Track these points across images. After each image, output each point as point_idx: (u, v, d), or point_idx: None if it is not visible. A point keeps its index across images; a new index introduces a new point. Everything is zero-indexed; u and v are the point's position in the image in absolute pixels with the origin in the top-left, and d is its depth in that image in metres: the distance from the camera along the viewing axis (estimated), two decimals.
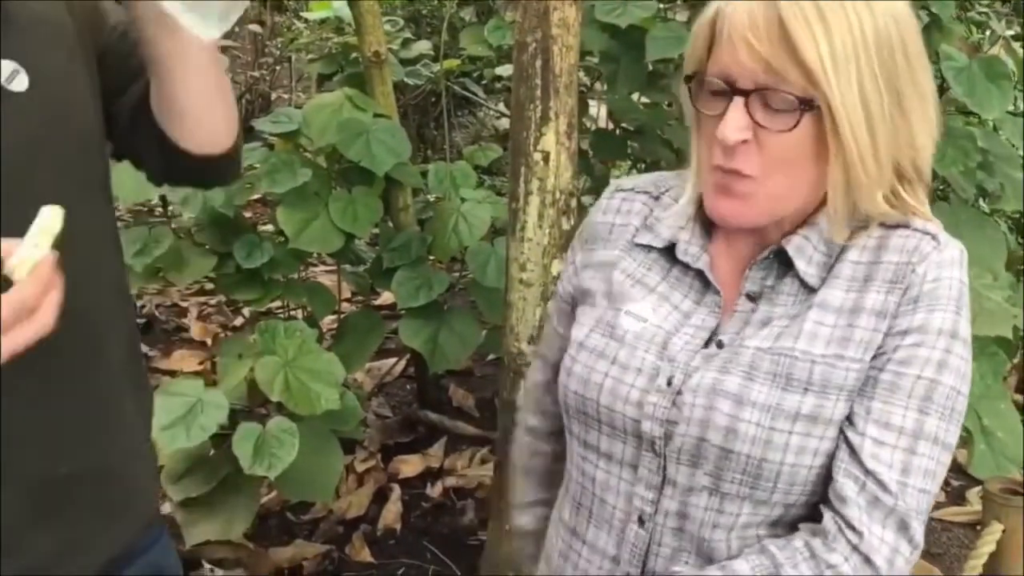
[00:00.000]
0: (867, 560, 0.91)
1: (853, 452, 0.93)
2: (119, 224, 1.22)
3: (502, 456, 2.52)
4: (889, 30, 0.91)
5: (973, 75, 2.11)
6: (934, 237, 0.96)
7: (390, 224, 2.89)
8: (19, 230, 0.84)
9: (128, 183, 1.74)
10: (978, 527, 2.28)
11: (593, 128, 3.26)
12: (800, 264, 0.97)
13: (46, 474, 1.03)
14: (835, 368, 0.93)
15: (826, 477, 0.94)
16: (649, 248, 1.06)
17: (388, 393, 3.58)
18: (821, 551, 0.92)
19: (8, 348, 0.81)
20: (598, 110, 3.54)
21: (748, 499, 0.95)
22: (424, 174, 2.79)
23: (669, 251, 1.04)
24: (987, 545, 2.15)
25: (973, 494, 2.95)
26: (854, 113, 0.90)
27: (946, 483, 3.02)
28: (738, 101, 0.91)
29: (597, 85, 3.35)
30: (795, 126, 0.90)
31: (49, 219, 0.84)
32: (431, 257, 2.76)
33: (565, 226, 2.03)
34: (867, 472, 0.92)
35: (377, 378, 3.57)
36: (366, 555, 2.65)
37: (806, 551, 0.93)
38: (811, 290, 0.97)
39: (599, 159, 3.01)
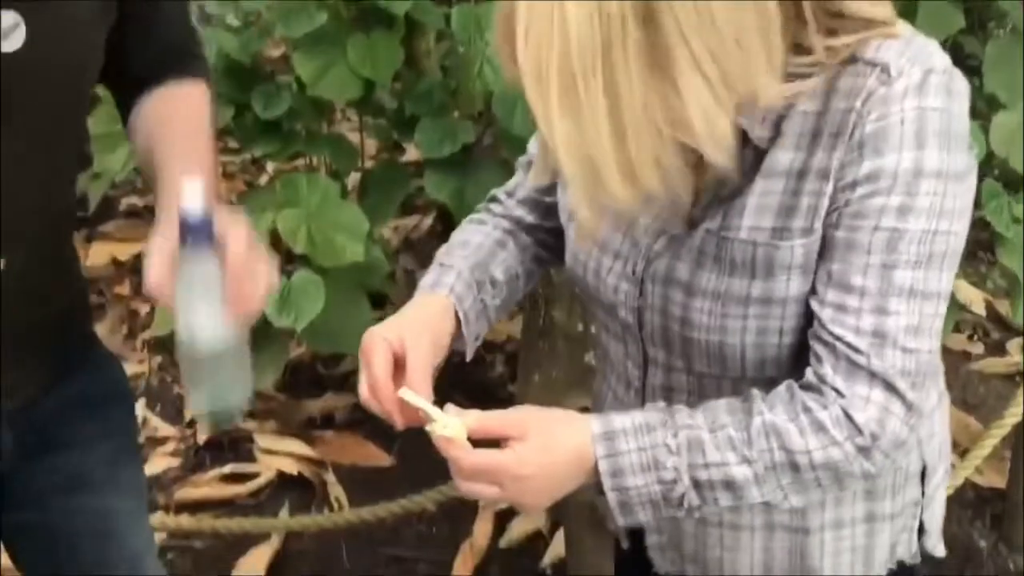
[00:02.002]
0: (849, 418, 0.84)
1: (819, 322, 0.86)
2: None
3: (531, 313, 2.50)
4: None
5: None
6: (884, 69, 0.83)
7: (412, 71, 2.78)
8: None
9: None
10: (1017, 378, 2.23)
11: None
12: (746, 123, 0.85)
13: None
14: (778, 249, 0.86)
15: (807, 347, 0.89)
16: None
17: (415, 250, 3.55)
18: (800, 394, 0.87)
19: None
20: None
21: (723, 377, 0.93)
22: (447, 17, 2.66)
23: None
24: None
25: (1014, 345, 2.89)
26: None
27: (985, 334, 2.96)
28: None
29: None
30: None
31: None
32: (456, 109, 2.66)
33: None
34: (836, 338, 0.85)
35: (404, 235, 3.53)
36: None
37: (786, 394, 0.88)
38: (763, 153, 0.87)
39: None
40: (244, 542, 2.19)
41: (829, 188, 0.84)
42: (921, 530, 1.06)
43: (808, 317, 0.88)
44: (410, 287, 3.67)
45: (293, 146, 2.59)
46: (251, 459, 2.45)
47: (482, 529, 2.22)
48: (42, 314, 1.12)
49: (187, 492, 2.35)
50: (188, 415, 2.61)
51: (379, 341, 0.94)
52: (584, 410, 1.14)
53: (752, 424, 0.86)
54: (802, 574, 1.02)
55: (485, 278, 1.04)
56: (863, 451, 0.85)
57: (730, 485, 0.86)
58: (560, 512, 2.00)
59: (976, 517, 2.39)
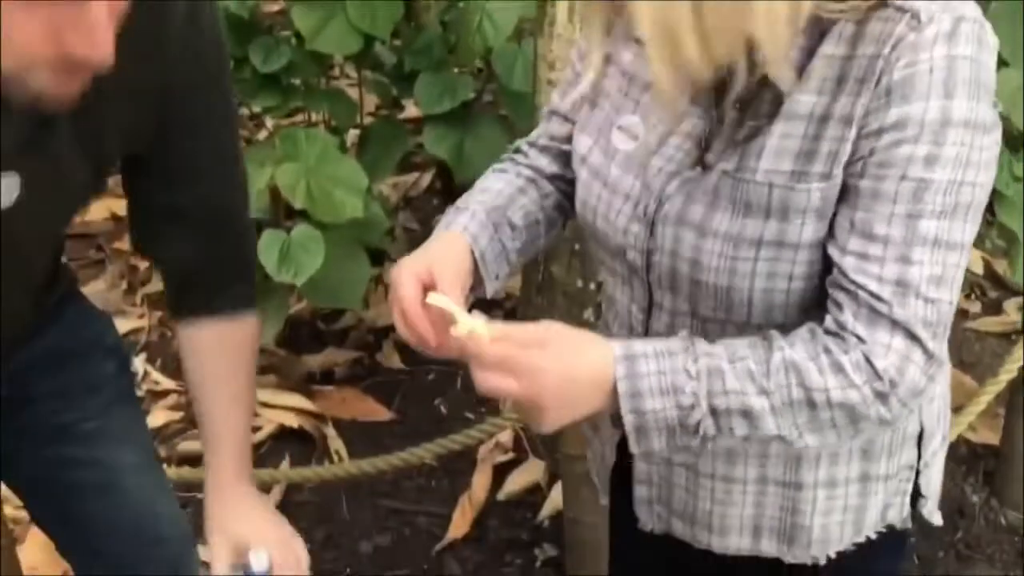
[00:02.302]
0: (869, 363, 0.84)
1: (840, 270, 0.86)
2: None
3: (529, 270, 2.50)
4: None
5: None
6: (914, 15, 0.82)
7: (412, 26, 2.76)
8: None
9: None
10: (1013, 336, 2.24)
11: None
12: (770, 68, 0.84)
13: None
14: (794, 191, 0.86)
15: (814, 295, 0.89)
16: None
17: (415, 208, 3.55)
18: (822, 336, 0.87)
19: None
20: None
21: (728, 323, 0.93)
22: None
23: None
24: (1021, 349, 2.13)
25: (1011, 304, 2.90)
26: None
27: (982, 292, 2.98)
28: None
29: None
30: None
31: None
32: (455, 65, 2.64)
33: None
34: (858, 286, 0.85)
35: (403, 191, 3.52)
36: (397, 361, 2.69)
37: (807, 334, 0.87)
38: (782, 96, 0.87)
39: None
40: None
41: (852, 134, 0.84)
42: (916, 496, 1.05)
43: (817, 265, 0.88)
44: (410, 244, 3.69)
45: (292, 101, 2.57)
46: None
47: (481, 482, 2.25)
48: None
49: (189, 445, 2.37)
50: None
51: (407, 271, 0.95)
52: None
53: (772, 359, 0.85)
54: (791, 533, 1.02)
55: (503, 221, 1.04)
56: (881, 396, 0.84)
57: (747, 414, 0.85)
58: (558, 465, 2.03)
59: (969, 473, 2.42)
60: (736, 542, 1.04)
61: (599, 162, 0.99)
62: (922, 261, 0.84)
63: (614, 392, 0.86)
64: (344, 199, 2.20)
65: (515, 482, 2.27)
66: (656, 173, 0.94)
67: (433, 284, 0.94)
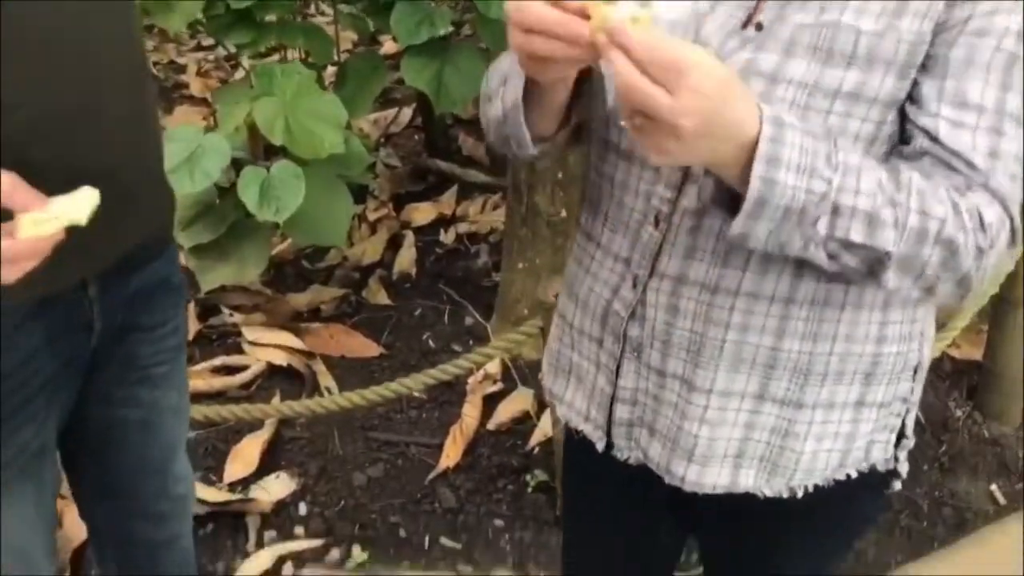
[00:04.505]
0: (980, 214, 0.82)
1: (929, 136, 0.85)
2: None
3: (514, 201, 2.49)
4: None
5: None
6: None
7: None
8: None
9: None
10: None
11: None
12: None
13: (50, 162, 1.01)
14: (883, 39, 0.84)
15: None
16: None
17: (396, 144, 3.52)
18: (942, 178, 0.84)
19: None
20: None
21: None
22: None
23: None
24: (1006, 265, 2.14)
25: None
26: None
27: None
28: None
29: None
30: None
31: (84, 203, 0.92)
32: None
33: None
34: (953, 153, 0.84)
35: (383, 128, 3.49)
36: (383, 298, 2.69)
37: (930, 169, 0.85)
38: None
39: None
40: (238, 432, 2.23)
41: None
42: (900, 436, 1.04)
43: (884, 128, 0.86)
44: (392, 181, 3.64)
45: (267, 37, 2.53)
46: (240, 352, 2.47)
47: (471, 413, 2.26)
48: (136, 169, 1.13)
49: None
50: None
51: None
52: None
53: (901, 176, 0.83)
54: (776, 460, 0.99)
55: None
56: (979, 251, 0.83)
57: (872, 219, 0.81)
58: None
59: (953, 389, 2.46)
60: (714, 475, 1.00)
61: None
62: (1011, 135, 0.84)
63: (751, 151, 0.78)
64: (323, 134, 2.18)
65: (504, 412, 2.29)
66: (714, 32, 0.89)
67: None
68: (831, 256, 0.84)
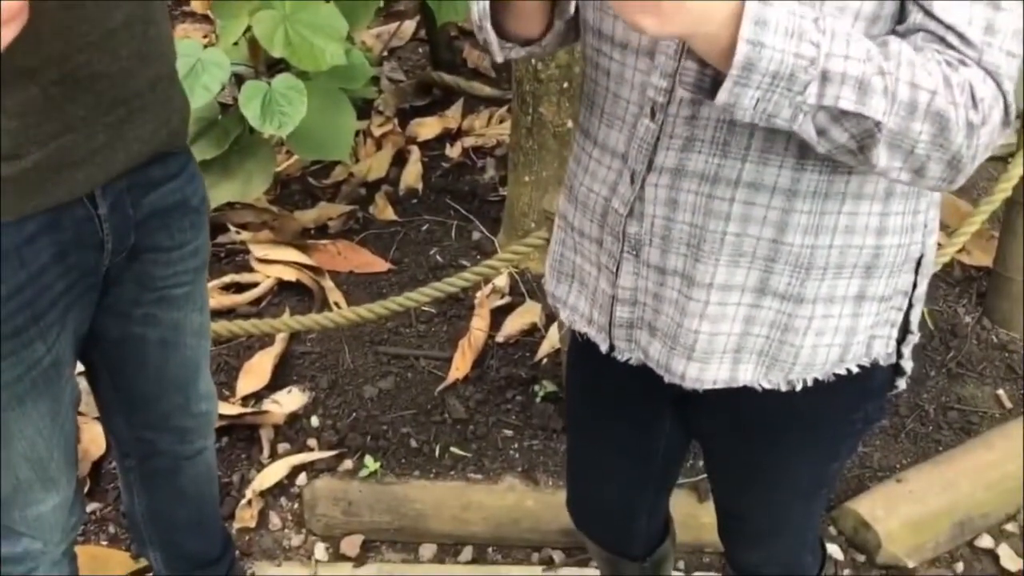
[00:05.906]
0: (972, 89, 0.81)
1: (923, 9, 0.82)
2: None
3: (519, 113, 2.46)
4: None
5: None
6: None
7: None
8: None
9: None
10: (1008, 160, 2.22)
11: None
12: None
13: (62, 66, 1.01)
14: None
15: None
16: None
17: (400, 57, 3.46)
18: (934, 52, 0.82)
19: None
20: None
21: None
22: None
23: None
24: (1017, 168, 2.11)
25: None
26: None
27: None
28: None
29: None
30: None
31: None
32: None
33: None
34: (947, 27, 0.82)
35: (386, 41, 3.43)
36: (390, 213, 2.68)
37: (922, 43, 0.83)
38: None
39: None
40: (249, 348, 2.25)
41: None
42: (904, 333, 1.03)
43: (879, 25, 0.85)
44: (396, 95, 3.59)
45: None
46: (249, 269, 2.48)
47: (479, 325, 2.28)
48: (153, 76, 1.13)
49: None
50: None
51: None
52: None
53: (890, 46, 0.82)
54: (775, 353, 0.99)
55: None
56: (970, 128, 0.82)
57: (862, 85, 0.79)
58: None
59: (962, 295, 2.45)
60: (714, 371, 1.00)
61: None
62: (1009, 10, 0.82)
63: (738, 15, 0.77)
64: (324, 46, 2.14)
65: (513, 324, 2.30)
66: None
67: None
68: (820, 132, 0.82)
